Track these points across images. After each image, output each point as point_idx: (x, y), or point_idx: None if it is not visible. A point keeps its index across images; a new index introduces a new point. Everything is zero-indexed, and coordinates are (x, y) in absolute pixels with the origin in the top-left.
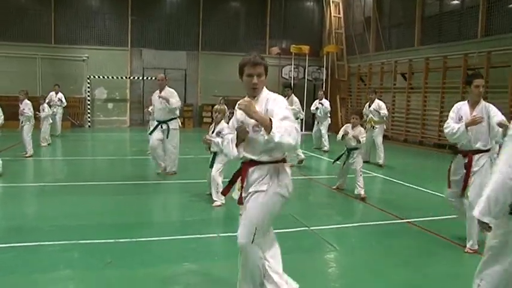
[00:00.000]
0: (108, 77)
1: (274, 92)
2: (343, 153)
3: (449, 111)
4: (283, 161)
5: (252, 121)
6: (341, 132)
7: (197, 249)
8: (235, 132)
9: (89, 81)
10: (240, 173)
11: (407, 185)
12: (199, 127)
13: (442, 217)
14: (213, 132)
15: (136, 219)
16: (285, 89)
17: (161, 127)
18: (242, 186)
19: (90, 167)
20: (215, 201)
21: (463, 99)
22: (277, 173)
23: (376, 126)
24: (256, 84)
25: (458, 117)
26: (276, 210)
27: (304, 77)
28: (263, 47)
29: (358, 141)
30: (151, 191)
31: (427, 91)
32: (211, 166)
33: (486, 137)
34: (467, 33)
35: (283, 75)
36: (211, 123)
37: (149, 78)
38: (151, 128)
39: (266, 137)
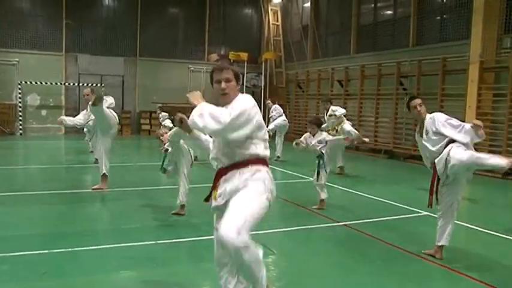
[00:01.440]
0: (41, 83)
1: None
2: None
3: (384, 117)
4: (264, 163)
5: None
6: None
7: (136, 257)
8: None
9: (20, 86)
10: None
11: (344, 189)
12: (138, 134)
13: (376, 219)
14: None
15: (72, 228)
16: None
17: None
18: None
19: (22, 176)
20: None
21: (396, 105)
22: (260, 176)
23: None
24: (224, 89)
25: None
26: (262, 212)
27: (242, 84)
28: (202, 54)
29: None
30: (87, 199)
31: (362, 97)
32: (163, 169)
33: (439, 148)
34: (400, 42)
35: None
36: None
37: (85, 84)
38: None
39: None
